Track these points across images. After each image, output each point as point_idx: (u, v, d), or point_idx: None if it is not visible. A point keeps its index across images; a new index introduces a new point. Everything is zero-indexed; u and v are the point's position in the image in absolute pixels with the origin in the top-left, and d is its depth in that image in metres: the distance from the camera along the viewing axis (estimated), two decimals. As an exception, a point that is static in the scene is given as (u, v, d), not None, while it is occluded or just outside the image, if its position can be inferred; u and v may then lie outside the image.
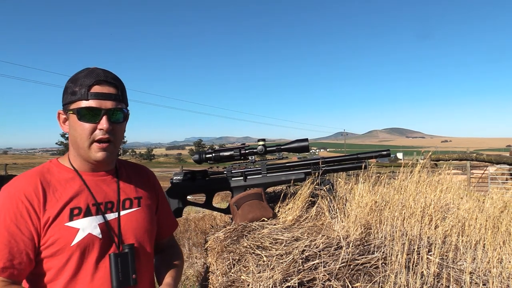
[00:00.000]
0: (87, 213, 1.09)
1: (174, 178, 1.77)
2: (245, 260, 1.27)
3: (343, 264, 1.17)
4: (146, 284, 1.20)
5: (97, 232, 1.09)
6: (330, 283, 1.10)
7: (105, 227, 1.11)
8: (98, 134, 1.08)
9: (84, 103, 1.07)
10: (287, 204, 1.69)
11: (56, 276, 1.05)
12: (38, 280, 1.06)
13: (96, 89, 1.08)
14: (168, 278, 1.23)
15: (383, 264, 1.20)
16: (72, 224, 1.05)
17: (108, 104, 1.09)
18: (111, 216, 1.14)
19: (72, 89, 1.09)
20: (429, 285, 1.12)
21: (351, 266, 1.18)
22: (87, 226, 1.07)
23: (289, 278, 1.10)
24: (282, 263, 1.19)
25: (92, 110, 1.07)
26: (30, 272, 1.05)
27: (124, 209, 1.17)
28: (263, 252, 1.28)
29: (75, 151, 1.13)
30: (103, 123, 1.07)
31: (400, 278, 1.12)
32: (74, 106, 1.08)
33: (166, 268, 1.28)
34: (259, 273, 1.17)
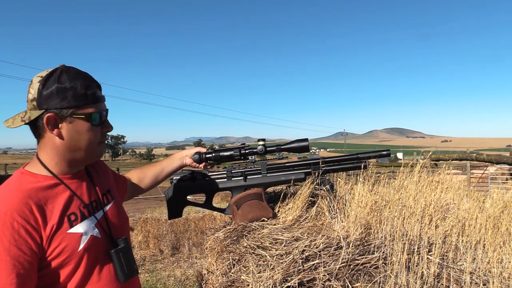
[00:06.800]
0: (83, 217, 1.10)
1: (174, 178, 1.77)
2: (245, 260, 1.27)
3: (343, 264, 1.17)
4: None
5: (96, 232, 1.11)
6: (330, 283, 1.10)
7: (100, 226, 1.14)
8: (104, 135, 1.17)
9: (93, 108, 1.12)
10: (287, 204, 1.68)
11: (65, 285, 1.04)
12: None
13: (98, 93, 1.14)
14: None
15: (383, 264, 1.20)
16: (74, 230, 1.06)
17: (105, 106, 1.17)
18: (99, 214, 1.17)
19: (74, 92, 1.06)
20: (429, 285, 1.12)
21: (351, 266, 1.17)
22: (88, 229, 1.09)
23: (289, 278, 1.10)
24: (282, 263, 1.19)
25: (102, 114, 1.15)
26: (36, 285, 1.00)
27: (105, 205, 1.21)
28: (263, 252, 1.28)
29: (64, 156, 1.10)
30: (109, 125, 1.18)
31: (400, 278, 1.12)
32: (83, 111, 1.09)
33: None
34: (259, 273, 1.16)
